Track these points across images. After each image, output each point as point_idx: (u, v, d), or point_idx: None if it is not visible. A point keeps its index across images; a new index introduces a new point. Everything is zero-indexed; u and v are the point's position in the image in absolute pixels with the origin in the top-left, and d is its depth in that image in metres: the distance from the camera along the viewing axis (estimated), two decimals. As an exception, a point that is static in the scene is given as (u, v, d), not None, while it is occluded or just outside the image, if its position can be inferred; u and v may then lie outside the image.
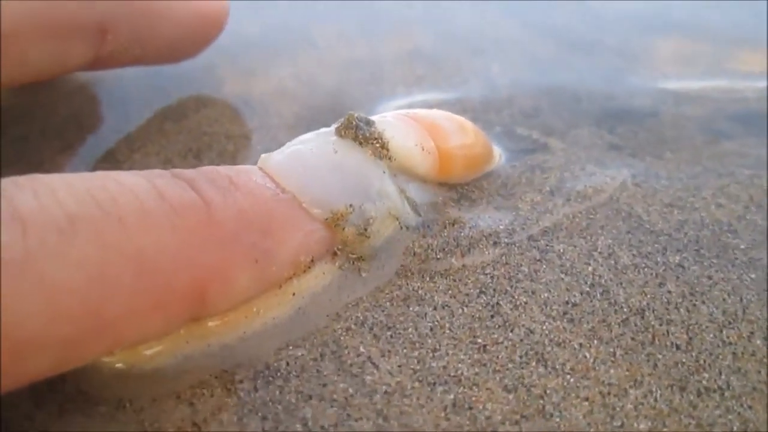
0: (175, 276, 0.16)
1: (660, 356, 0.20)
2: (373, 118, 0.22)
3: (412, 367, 0.19)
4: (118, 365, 0.18)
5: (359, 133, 0.21)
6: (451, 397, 0.18)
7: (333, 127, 0.21)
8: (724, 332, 0.20)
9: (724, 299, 0.21)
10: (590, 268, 0.22)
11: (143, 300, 0.16)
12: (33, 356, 0.14)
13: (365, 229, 0.20)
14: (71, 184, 0.16)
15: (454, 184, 0.24)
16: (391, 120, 0.22)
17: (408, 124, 0.22)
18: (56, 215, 0.15)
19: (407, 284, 0.21)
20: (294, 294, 0.20)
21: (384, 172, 0.21)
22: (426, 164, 0.22)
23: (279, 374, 0.19)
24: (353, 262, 0.21)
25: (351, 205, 0.20)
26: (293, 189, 0.19)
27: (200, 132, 0.29)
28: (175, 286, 0.16)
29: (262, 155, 0.21)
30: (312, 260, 0.20)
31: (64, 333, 0.15)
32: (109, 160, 0.27)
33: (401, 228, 0.22)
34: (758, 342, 0.20)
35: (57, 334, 0.15)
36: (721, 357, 0.20)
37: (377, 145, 0.21)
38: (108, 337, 0.16)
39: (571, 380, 0.19)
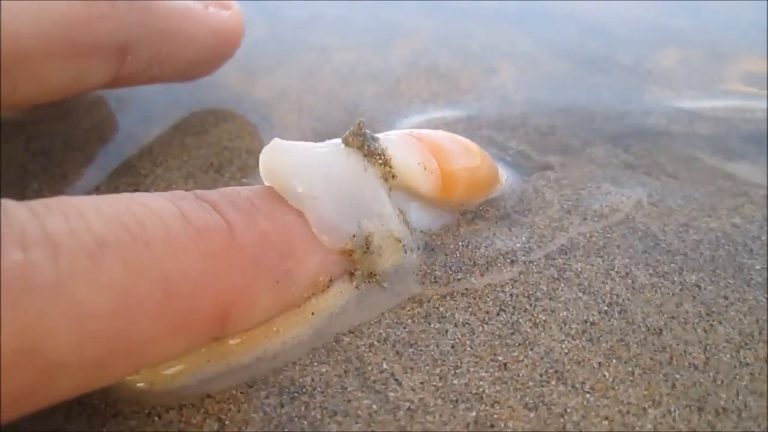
0: (199, 299, 0.17)
1: (678, 376, 0.20)
2: (377, 135, 0.22)
3: (434, 384, 0.19)
4: (140, 385, 0.18)
5: (366, 144, 0.21)
6: (474, 414, 0.19)
7: (339, 139, 0.21)
8: (741, 353, 0.21)
9: (740, 320, 0.22)
10: (608, 287, 0.22)
11: (168, 322, 0.16)
12: (62, 377, 0.15)
13: (368, 247, 0.21)
14: (99, 208, 0.16)
15: (463, 204, 0.24)
16: (395, 138, 0.22)
17: (411, 143, 0.22)
18: (86, 239, 0.15)
19: (428, 302, 0.22)
20: (313, 313, 0.20)
21: (382, 193, 0.21)
22: (428, 184, 0.22)
23: (304, 390, 0.19)
24: (368, 280, 0.21)
25: (354, 236, 0.20)
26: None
27: (221, 147, 0.29)
28: (198, 308, 0.17)
29: (268, 147, 0.20)
30: (330, 280, 0.20)
31: (92, 355, 0.15)
32: (132, 174, 0.27)
33: (405, 252, 0.22)
34: (775, 363, 0.20)
35: (85, 356, 0.15)
36: (738, 378, 0.20)
37: (380, 160, 0.21)
38: (133, 359, 0.16)
39: (591, 399, 0.19)
